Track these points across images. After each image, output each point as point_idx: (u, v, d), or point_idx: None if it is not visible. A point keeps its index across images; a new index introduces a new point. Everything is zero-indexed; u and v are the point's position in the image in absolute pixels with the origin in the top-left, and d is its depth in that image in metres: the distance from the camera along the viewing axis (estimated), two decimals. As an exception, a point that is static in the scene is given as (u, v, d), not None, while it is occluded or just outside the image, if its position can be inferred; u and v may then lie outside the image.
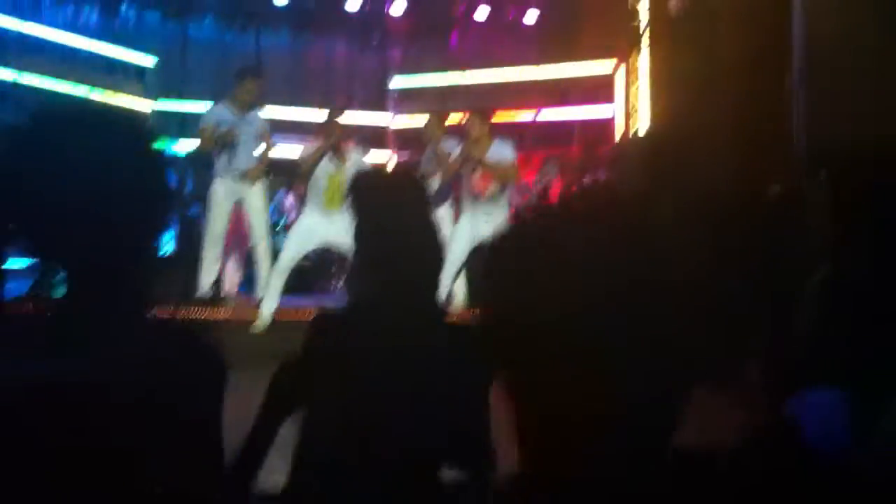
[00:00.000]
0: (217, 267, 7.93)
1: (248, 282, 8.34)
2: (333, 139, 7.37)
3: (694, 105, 9.97)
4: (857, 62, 8.11)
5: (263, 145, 7.85)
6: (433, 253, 2.10)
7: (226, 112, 7.64)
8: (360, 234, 2.09)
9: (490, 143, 7.57)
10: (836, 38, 8.33)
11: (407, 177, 2.22)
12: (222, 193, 7.69)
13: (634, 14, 11.56)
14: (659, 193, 8.96)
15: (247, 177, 7.70)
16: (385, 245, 2.05)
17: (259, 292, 7.92)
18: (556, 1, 12.89)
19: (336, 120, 7.61)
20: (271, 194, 11.74)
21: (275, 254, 7.83)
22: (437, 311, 2.13)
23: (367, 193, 2.14)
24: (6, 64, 10.51)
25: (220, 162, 7.66)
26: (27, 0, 11.92)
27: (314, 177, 7.43)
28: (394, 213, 2.07)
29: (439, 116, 8.49)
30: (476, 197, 7.57)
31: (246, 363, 6.33)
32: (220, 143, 7.51)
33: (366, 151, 8.35)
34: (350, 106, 10.75)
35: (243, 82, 7.64)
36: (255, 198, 7.84)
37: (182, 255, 8.32)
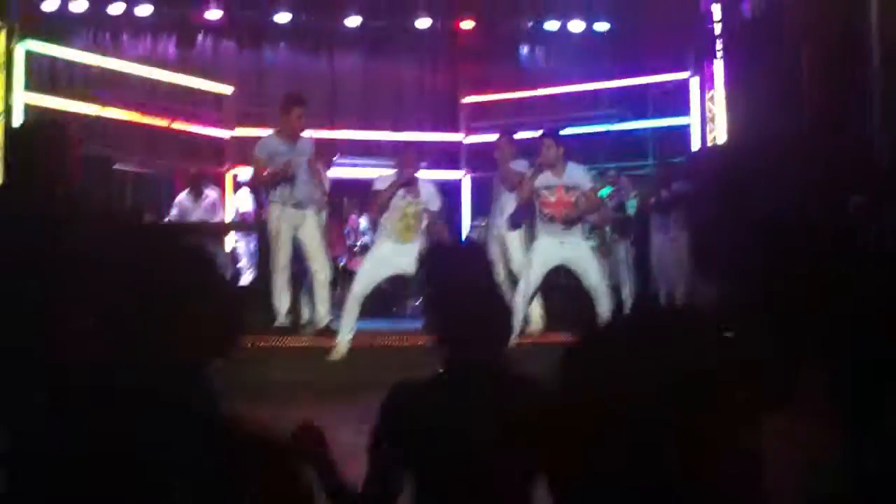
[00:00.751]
0: (289, 295, 8.00)
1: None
2: (407, 175, 7.43)
3: (771, 113, 9.79)
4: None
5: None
6: (499, 325, 2.24)
7: (277, 142, 7.76)
8: (430, 306, 2.19)
9: (565, 166, 7.54)
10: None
11: (473, 252, 2.32)
12: (282, 222, 7.76)
13: (707, 20, 11.41)
14: (735, 205, 8.84)
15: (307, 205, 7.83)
16: (454, 317, 2.16)
17: (321, 319, 7.97)
18: (625, 10, 12.78)
19: (409, 154, 7.69)
20: (345, 217, 11.94)
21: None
22: (505, 377, 2.21)
23: (436, 269, 2.26)
24: (89, 98, 10.84)
25: (278, 191, 7.75)
26: (107, 36, 12.34)
27: (391, 209, 7.49)
28: (461, 288, 2.17)
29: (508, 136, 8.47)
30: (552, 221, 7.51)
31: (325, 392, 6.42)
32: (279, 177, 7.61)
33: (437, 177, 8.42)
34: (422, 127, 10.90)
35: (290, 111, 7.75)
36: (313, 225, 7.91)
37: (262, 283, 8.45)
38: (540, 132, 7.80)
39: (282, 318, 7.98)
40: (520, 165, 8.10)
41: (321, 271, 7.93)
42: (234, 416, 1.63)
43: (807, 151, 8.90)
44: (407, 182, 7.40)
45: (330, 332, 7.84)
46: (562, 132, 7.96)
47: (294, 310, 8.24)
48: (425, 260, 2.32)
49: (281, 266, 7.86)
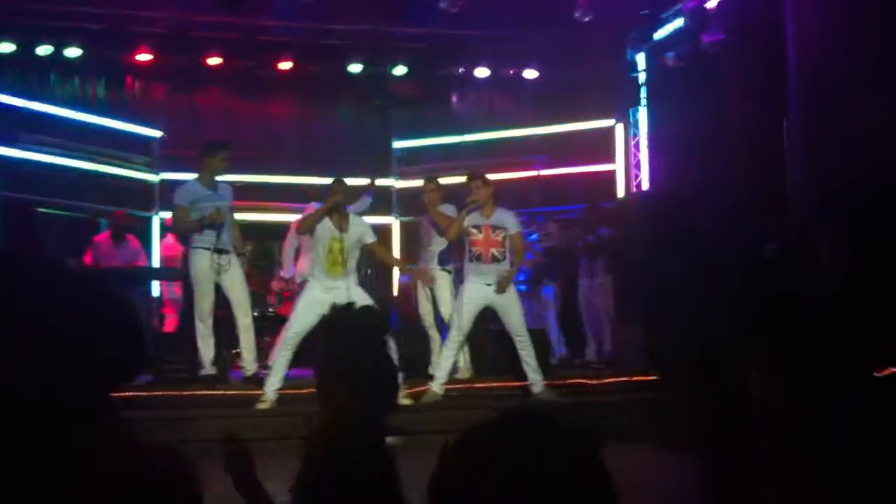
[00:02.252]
0: (213, 342, 7.87)
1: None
2: (334, 202, 7.44)
3: (693, 161, 10.04)
4: (856, 107, 8.19)
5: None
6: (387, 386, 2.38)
7: (199, 187, 7.71)
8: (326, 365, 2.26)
9: (494, 208, 7.71)
10: (832, 92, 8.42)
11: (368, 316, 2.45)
12: (206, 268, 7.65)
13: (632, 69, 11.70)
14: (661, 250, 9.04)
15: (238, 251, 7.80)
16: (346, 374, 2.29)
17: (249, 368, 7.89)
18: (554, 59, 13.03)
19: (338, 184, 7.70)
20: (276, 262, 11.86)
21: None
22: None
23: (333, 332, 2.39)
24: (14, 142, 10.68)
25: (201, 237, 7.65)
26: (34, 78, 12.18)
27: (317, 243, 7.46)
28: (352, 348, 2.30)
29: (436, 181, 8.56)
30: (478, 260, 7.64)
31: (252, 443, 6.35)
32: (205, 225, 7.55)
33: (366, 214, 8.42)
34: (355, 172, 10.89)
35: (214, 156, 7.72)
36: (236, 271, 7.80)
37: (185, 332, 8.33)
38: (468, 175, 7.94)
39: (208, 367, 7.85)
40: (448, 210, 8.21)
41: (244, 317, 7.84)
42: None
43: (726, 197, 9.14)
44: (332, 209, 7.39)
45: (256, 380, 7.75)
46: (488, 175, 8.09)
47: (220, 358, 8.13)
48: (325, 325, 2.44)
49: (204, 313, 7.74)
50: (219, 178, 7.86)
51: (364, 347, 2.31)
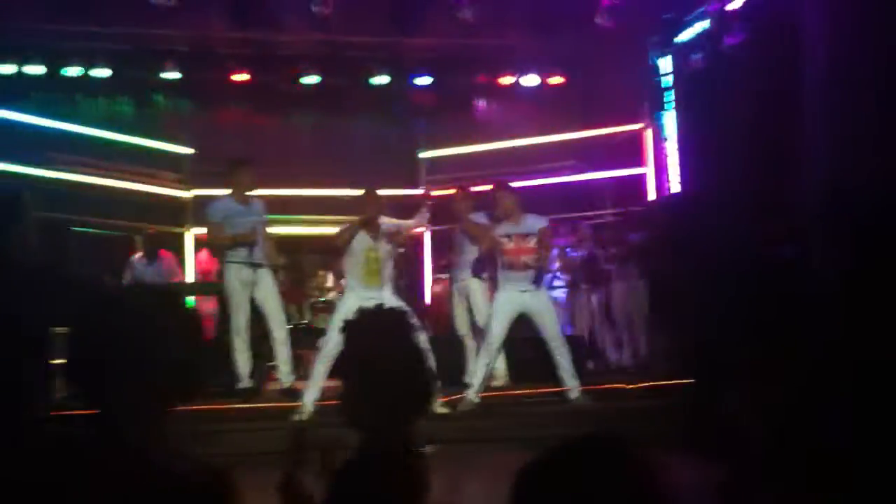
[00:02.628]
0: (249, 356, 7.93)
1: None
2: (368, 215, 7.51)
3: (719, 162, 10.02)
4: (871, 117, 8.16)
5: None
6: (420, 385, 2.23)
7: (231, 203, 7.78)
8: (350, 369, 2.21)
9: (522, 215, 7.74)
10: (851, 95, 8.39)
11: (394, 316, 2.32)
12: (239, 282, 7.73)
13: (656, 72, 11.69)
14: (689, 253, 9.02)
15: (273, 266, 7.86)
16: (372, 379, 2.17)
17: (285, 380, 7.94)
18: (578, 65, 13.07)
19: (370, 196, 7.75)
20: (311, 273, 11.96)
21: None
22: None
23: (357, 333, 2.25)
24: (47, 163, 10.81)
25: (235, 252, 7.73)
26: (63, 98, 12.35)
27: (352, 254, 7.54)
28: (381, 351, 2.18)
29: (466, 189, 8.60)
30: (511, 268, 7.67)
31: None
32: (242, 242, 7.62)
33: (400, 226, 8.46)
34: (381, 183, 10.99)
35: (239, 172, 7.78)
36: (269, 284, 7.87)
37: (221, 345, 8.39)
38: (493, 184, 7.99)
39: (245, 380, 7.92)
40: (479, 218, 8.24)
41: (279, 330, 7.89)
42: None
43: (746, 199, 9.11)
44: (367, 222, 7.47)
45: (292, 392, 7.80)
46: (511, 183, 8.12)
47: (256, 371, 8.19)
48: (346, 327, 2.27)
49: (240, 327, 7.80)
50: (250, 192, 7.93)
51: (389, 346, 2.19)
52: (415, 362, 2.22)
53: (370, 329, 2.24)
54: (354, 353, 2.22)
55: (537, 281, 7.71)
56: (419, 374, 2.22)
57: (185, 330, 1.81)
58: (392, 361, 2.16)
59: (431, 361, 2.31)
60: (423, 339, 2.21)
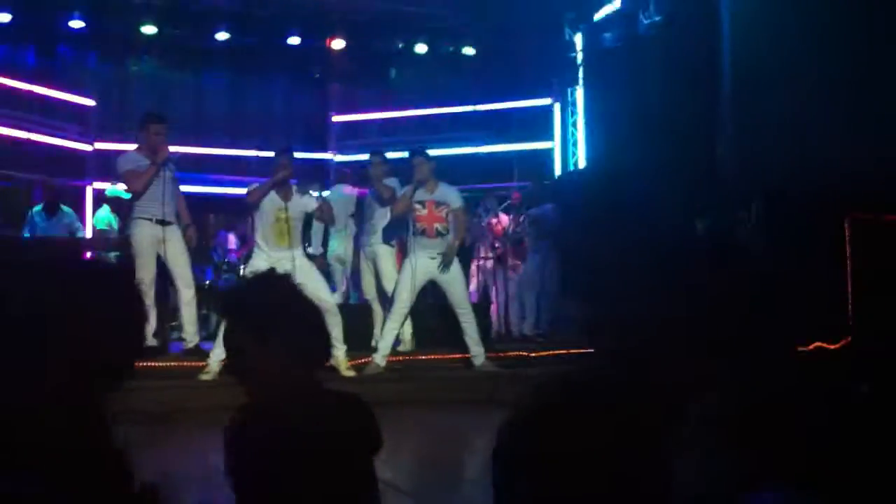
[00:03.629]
0: (154, 315, 7.77)
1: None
2: (281, 175, 7.47)
3: (629, 139, 10.27)
4: (783, 96, 8.52)
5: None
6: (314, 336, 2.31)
7: (140, 157, 7.61)
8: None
9: (437, 183, 7.82)
10: (763, 72, 8.72)
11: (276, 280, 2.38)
12: (147, 239, 7.59)
13: (570, 49, 11.87)
14: (598, 226, 9.26)
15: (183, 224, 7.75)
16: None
17: (190, 340, 7.88)
18: (492, 37, 13.16)
19: (283, 157, 7.70)
20: (214, 234, 11.81)
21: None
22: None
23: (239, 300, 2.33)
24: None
25: (143, 207, 7.57)
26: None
27: (262, 214, 7.50)
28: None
29: (381, 155, 8.61)
30: (423, 234, 7.75)
31: (197, 413, 6.35)
32: (158, 166, 7.46)
33: (310, 189, 8.43)
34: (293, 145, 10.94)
35: (150, 127, 7.63)
36: (177, 242, 7.72)
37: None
38: (409, 151, 8.03)
39: (149, 339, 7.77)
40: (391, 183, 8.28)
41: (186, 290, 7.80)
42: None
43: (657, 176, 9.40)
44: (278, 183, 7.44)
45: (199, 351, 7.74)
46: (429, 151, 8.19)
47: (161, 330, 8.08)
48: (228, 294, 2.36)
49: (146, 284, 7.65)
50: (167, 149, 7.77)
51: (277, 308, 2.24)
52: (299, 314, 2.28)
53: (261, 291, 2.31)
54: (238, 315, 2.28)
55: (451, 258, 7.78)
56: (305, 325, 2.28)
57: None
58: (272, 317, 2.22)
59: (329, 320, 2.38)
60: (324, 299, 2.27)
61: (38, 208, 10.03)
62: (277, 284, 2.31)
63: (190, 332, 7.84)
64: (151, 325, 7.73)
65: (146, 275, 7.57)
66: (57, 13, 12.02)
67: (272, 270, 2.38)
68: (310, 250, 9.29)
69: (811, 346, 6.78)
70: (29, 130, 11.16)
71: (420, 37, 13.29)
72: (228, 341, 2.25)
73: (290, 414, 2.19)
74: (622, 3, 10.63)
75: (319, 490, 2.15)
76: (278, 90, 13.78)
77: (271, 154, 7.99)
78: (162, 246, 7.57)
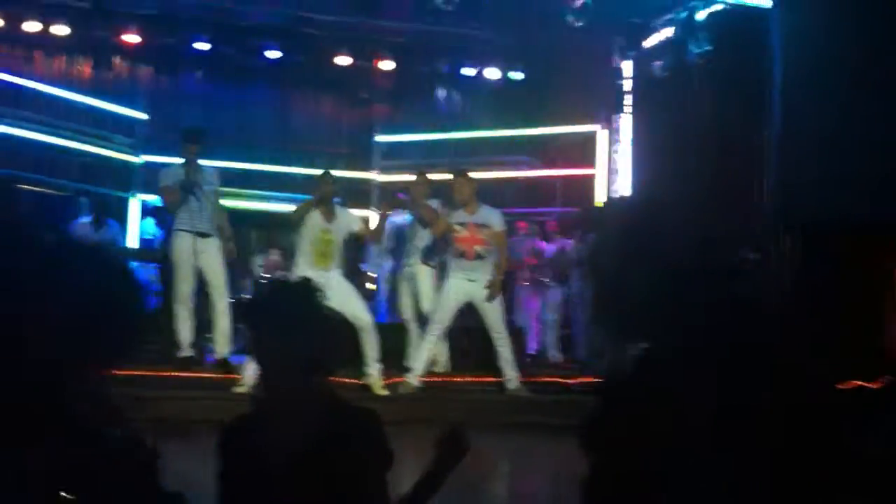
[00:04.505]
0: (191, 325, 7.80)
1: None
2: (323, 195, 7.49)
3: (674, 168, 10.18)
4: (830, 126, 8.40)
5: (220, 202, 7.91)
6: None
7: (182, 173, 7.67)
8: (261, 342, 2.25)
9: (478, 205, 7.80)
10: (811, 103, 8.61)
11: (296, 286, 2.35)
12: (185, 251, 7.62)
13: (618, 76, 11.80)
14: (637, 256, 9.14)
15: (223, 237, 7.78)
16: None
17: (221, 351, 7.83)
18: (540, 62, 13.16)
19: (327, 177, 7.74)
20: (258, 251, 11.89)
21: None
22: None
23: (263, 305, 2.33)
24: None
25: (183, 220, 7.62)
26: (20, 54, 12.14)
27: (304, 233, 7.52)
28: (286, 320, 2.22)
29: (424, 175, 8.59)
30: (462, 256, 7.72)
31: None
32: (188, 190, 7.53)
33: (352, 208, 8.46)
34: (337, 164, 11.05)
35: (191, 143, 7.66)
36: (215, 254, 7.75)
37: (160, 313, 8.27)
38: (452, 172, 8.03)
39: (185, 349, 7.83)
40: (433, 204, 8.27)
41: (220, 301, 7.80)
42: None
43: (699, 205, 9.28)
44: (321, 200, 7.45)
45: (229, 365, 7.73)
46: (472, 173, 8.17)
47: (197, 341, 8.10)
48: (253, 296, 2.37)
49: (184, 296, 7.70)
50: (203, 162, 7.84)
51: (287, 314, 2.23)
52: (317, 324, 2.26)
53: (275, 299, 2.32)
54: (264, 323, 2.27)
55: (497, 289, 7.76)
56: (325, 333, 2.27)
57: None
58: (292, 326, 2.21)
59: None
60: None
61: (83, 219, 10.18)
62: (294, 291, 2.30)
63: (220, 343, 7.84)
64: (188, 335, 7.79)
65: (185, 286, 7.65)
66: (113, 27, 12.26)
67: (294, 279, 2.38)
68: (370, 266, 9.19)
69: (850, 385, 6.63)
70: (78, 141, 11.32)
71: (467, 59, 13.33)
72: (247, 347, 2.27)
73: (287, 422, 2.18)
74: (674, 31, 10.55)
75: (315, 501, 2.13)
76: (324, 108, 13.88)
77: (316, 171, 8.04)
78: (199, 257, 7.62)
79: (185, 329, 7.74)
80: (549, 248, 10.52)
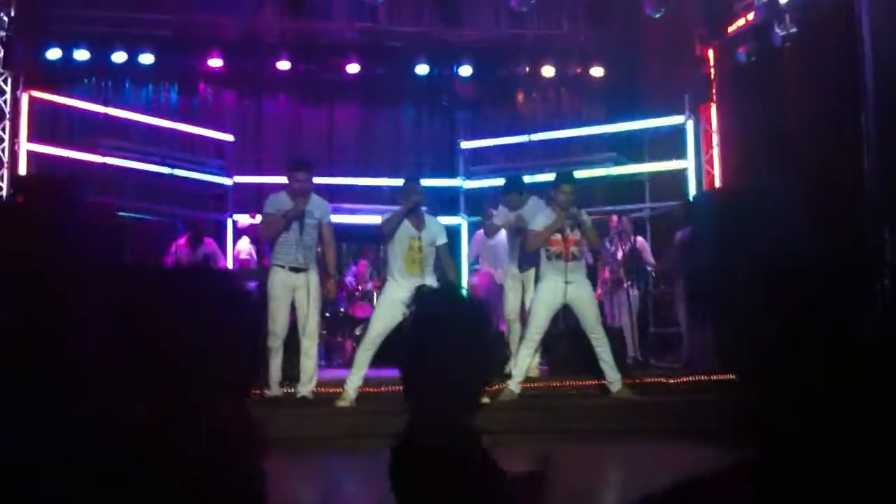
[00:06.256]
0: (279, 362, 7.59)
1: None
2: (411, 203, 7.51)
3: (766, 157, 9.90)
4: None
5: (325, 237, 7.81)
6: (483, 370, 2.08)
7: (287, 201, 7.61)
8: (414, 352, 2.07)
9: (577, 210, 7.77)
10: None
11: (461, 298, 2.22)
12: (281, 284, 7.54)
13: (703, 65, 11.55)
14: (728, 249, 8.91)
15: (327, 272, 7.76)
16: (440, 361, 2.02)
17: (302, 391, 7.63)
18: (620, 56, 12.98)
19: (413, 185, 7.76)
20: (347, 262, 12.02)
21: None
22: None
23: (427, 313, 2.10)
24: (95, 147, 10.96)
25: (279, 255, 7.56)
26: (109, 84, 12.52)
27: (396, 243, 7.56)
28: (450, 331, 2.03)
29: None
30: (557, 258, 7.66)
31: (331, 440, 6.39)
32: (291, 218, 7.50)
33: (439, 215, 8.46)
34: (423, 172, 11.05)
35: (296, 173, 7.59)
36: (310, 290, 7.56)
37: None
38: (555, 177, 8.01)
39: (274, 388, 7.58)
40: (533, 204, 8.32)
41: (308, 339, 7.61)
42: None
43: (795, 196, 8.97)
44: (412, 209, 7.49)
45: (307, 401, 7.59)
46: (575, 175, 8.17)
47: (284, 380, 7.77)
48: (413, 302, 2.07)
49: (276, 332, 7.49)
50: (315, 195, 7.79)
51: (462, 334, 2.00)
52: (481, 335, 2.05)
53: (433, 307, 2.09)
54: (419, 335, 2.07)
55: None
56: (486, 345, 2.06)
57: None
58: (459, 337, 2.00)
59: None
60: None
61: (181, 241, 10.43)
62: (455, 298, 2.17)
63: (304, 383, 7.66)
64: (277, 373, 7.61)
65: (279, 321, 7.53)
66: (196, 53, 12.55)
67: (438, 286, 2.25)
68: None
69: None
70: (172, 167, 11.60)
71: (546, 59, 13.23)
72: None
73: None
74: (756, 15, 10.27)
75: None
76: (407, 119, 13.95)
77: (401, 182, 8.06)
78: (296, 292, 7.54)
79: (274, 366, 7.53)
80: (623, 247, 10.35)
